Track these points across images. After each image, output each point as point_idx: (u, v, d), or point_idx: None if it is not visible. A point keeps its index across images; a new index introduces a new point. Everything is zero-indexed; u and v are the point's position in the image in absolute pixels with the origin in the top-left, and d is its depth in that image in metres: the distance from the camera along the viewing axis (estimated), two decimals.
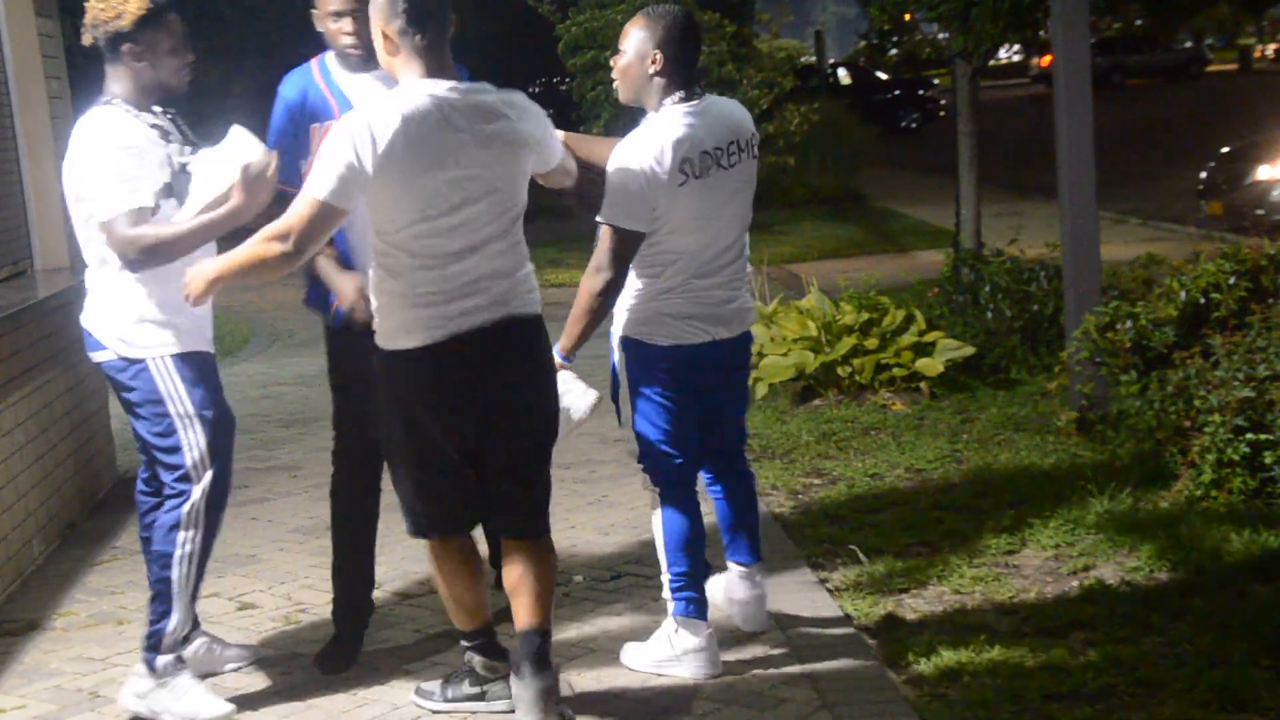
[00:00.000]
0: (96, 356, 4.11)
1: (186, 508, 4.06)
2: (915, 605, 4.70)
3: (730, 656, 4.32)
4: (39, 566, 5.63)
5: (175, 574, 4.06)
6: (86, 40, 4.01)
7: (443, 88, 3.59)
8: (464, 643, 4.03)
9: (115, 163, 3.89)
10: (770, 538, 5.43)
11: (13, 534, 5.42)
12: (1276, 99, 22.23)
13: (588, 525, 5.73)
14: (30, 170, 6.53)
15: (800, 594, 4.82)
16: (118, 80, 4.03)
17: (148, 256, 3.88)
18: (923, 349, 7.78)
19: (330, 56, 4.31)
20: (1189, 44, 51.37)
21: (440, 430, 3.73)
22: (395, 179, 3.52)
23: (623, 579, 5.07)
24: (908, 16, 13.29)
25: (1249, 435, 5.26)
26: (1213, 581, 4.64)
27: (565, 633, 4.53)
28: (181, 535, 4.05)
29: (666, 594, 4.27)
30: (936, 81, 37.32)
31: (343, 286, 4.17)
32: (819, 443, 6.91)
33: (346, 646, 4.48)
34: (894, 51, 49.71)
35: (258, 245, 3.62)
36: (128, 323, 4.03)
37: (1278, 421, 5.21)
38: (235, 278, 3.69)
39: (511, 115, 3.67)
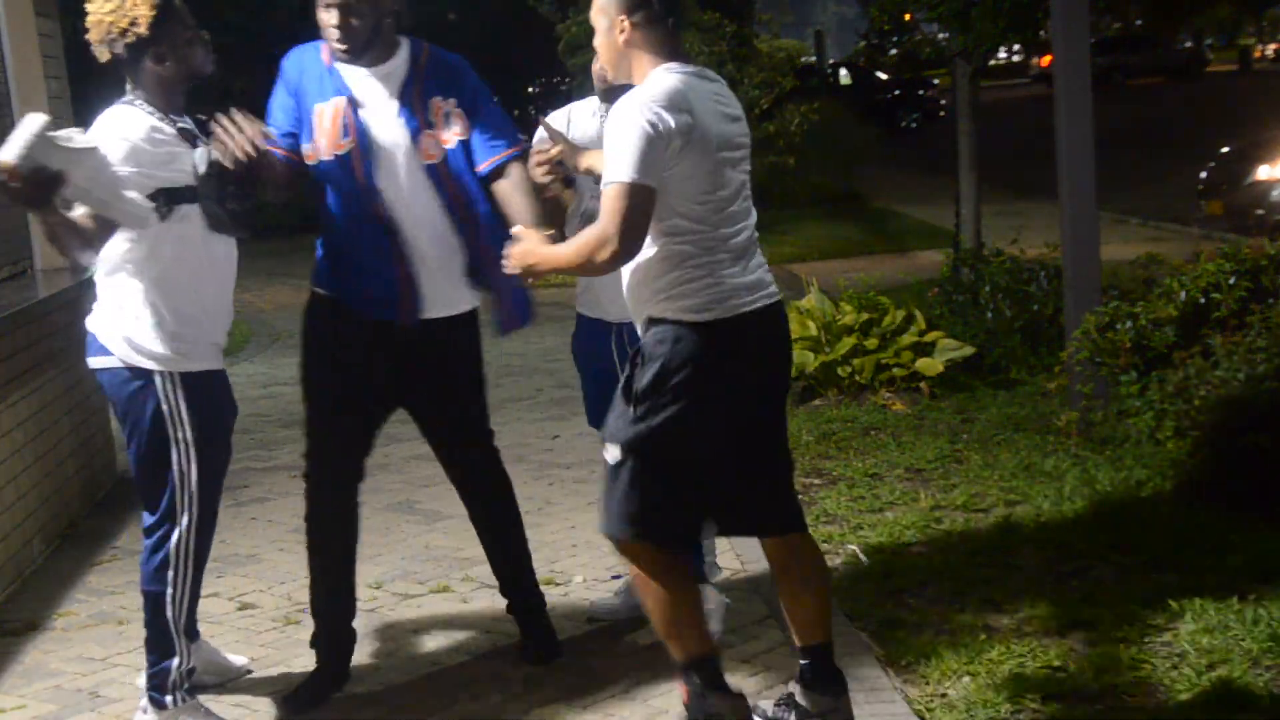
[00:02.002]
0: (98, 363, 3.91)
1: (174, 544, 3.89)
2: (915, 605, 4.70)
3: (731, 656, 4.32)
4: (39, 566, 5.63)
5: (170, 614, 3.91)
6: (104, 56, 3.84)
7: (691, 69, 3.59)
8: (696, 679, 3.65)
9: (135, 151, 3.75)
10: None
11: (13, 534, 5.42)
12: (1276, 99, 22.25)
13: (588, 525, 5.72)
14: None
15: None
16: (143, 85, 3.87)
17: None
18: (923, 349, 7.78)
19: None
20: (1189, 44, 51.34)
21: (738, 405, 3.58)
22: (697, 156, 3.47)
23: (623, 579, 5.06)
24: (908, 16, 13.29)
25: (1249, 435, 5.25)
26: (1213, 581, 4.64)
27: (565, 632, 4.53)
28: (171, 574, 3.90)
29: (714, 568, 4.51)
30: (936, 81, 37.29)
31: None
32: (819, 443, 6.91)
33: (325, 681, 4.24)
34: (894, 51, 49.71)
35: (583, 251, 3.46)
36: (138, 331, 3.84)
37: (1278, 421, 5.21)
38: (558, 271, 3.66)
39: (729, 94, 3.73)
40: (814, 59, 33.13)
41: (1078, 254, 6.74)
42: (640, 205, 3.40)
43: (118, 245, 3.81)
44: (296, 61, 4.12)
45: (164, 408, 3.85)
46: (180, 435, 3.86)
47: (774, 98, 16.26)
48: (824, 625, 3.74)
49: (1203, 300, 5.96)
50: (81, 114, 7.37)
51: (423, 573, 5.30)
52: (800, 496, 5.99)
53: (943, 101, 34.17)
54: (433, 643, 4.61)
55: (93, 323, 3.92)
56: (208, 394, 3.92)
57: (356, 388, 4.12)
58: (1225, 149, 14.41)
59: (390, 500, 6.12)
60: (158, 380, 3.85)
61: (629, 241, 3.42)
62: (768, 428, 3.69)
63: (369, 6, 3.95)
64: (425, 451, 4.51)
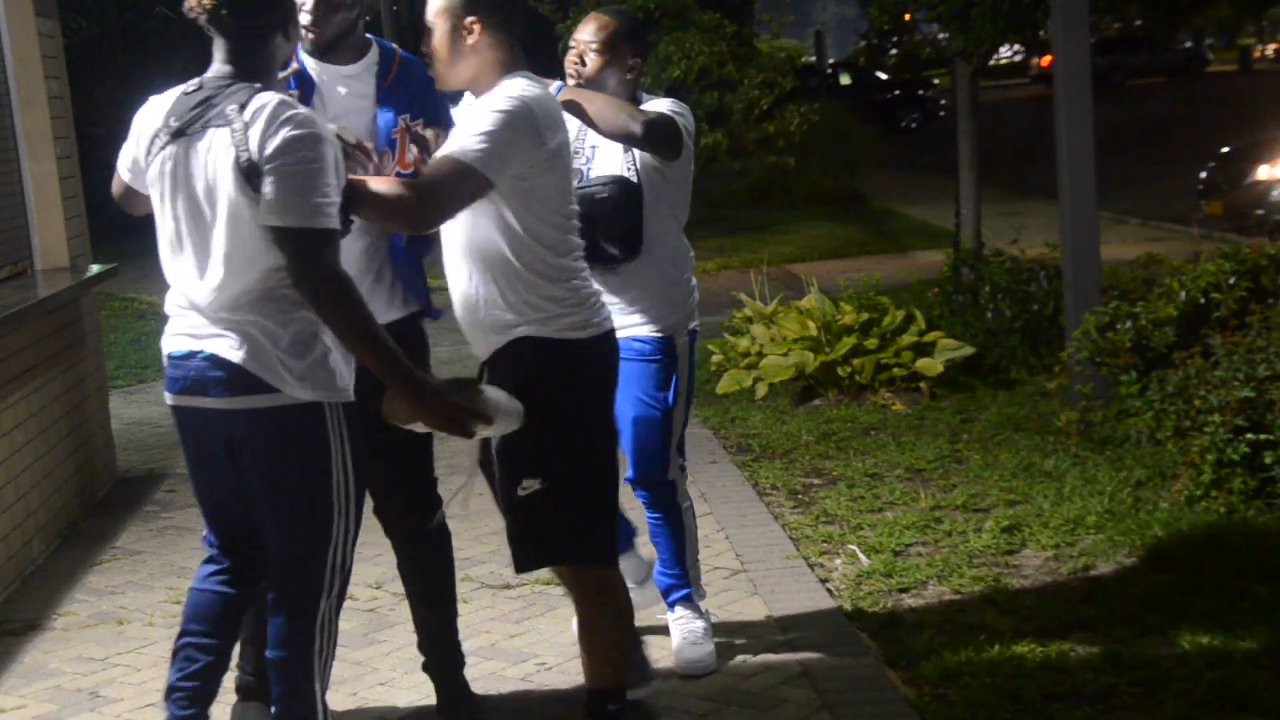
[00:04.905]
0: (261, 401, 3.20)
1: (323, 604, 3.33)
2: (915, 605, 4.70)
3: (731, 657, 4.32)
4: (39, 566, 5.63)
5: (319, 685, 3.38)
6: (226, 26, 3.23)
7: (539, 82, 3.48)
8: (610, 709, 3.57)
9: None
10: (770, 538, 5.45)
11: (13, 534, 5.42)
12: (1276, 99, 22.23)
13: None
14: (30, 170, 6.53)
15: (800, 594, 4.82)
16: (260, 69, 3.27)
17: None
18: (923, 349, 7.78)
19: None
20: (1189, 44, 51.37)
21: (612, 417, 3.64)
22: (561, 168, 3.42)
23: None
24: (908, 16, 13.30)
25: (1249, 435, 5.26)
26: (1213, 581, 4.64)
27: (565, 631, 4.53)
28: (320, 639, 3.37)
29: (700, 590, 4.37)
30: (936, 81, 37.34)
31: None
32: (819, 443, 6.90)
33: None
34: (894, 51, 49.76)
35: (386, 198, 3.29)
36: (306, 360, 3.22)
37: (1278, 421, 5.21)
38: (359, 205, 3.31)
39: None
40: (814, 59, 33.13)
41: (1078, 254, 6.74)
42: (466, 192, 3.28)
43: (272, 272, 3.18)
44: None
45: (333, 445, 3.26)
46: (343, 477, 3.29)
47: (774, 98, 16.22)
48: None
49: (1203, 300, 5.96)
50: (81, 113, 7.37)
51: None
52: (800, 496, 6.03)
53: (943, 101, 34.19)
54: None
55: (237, 353, 3.21)
56: (352, 428, 3.34)
57: None
58: (1225, 149, 14.39)
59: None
60: (328, 413, 3.26)
61: (432, 217, 3.33)
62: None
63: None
64: None
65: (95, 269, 6.73)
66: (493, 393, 3.30)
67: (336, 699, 4.20)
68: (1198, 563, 4.81)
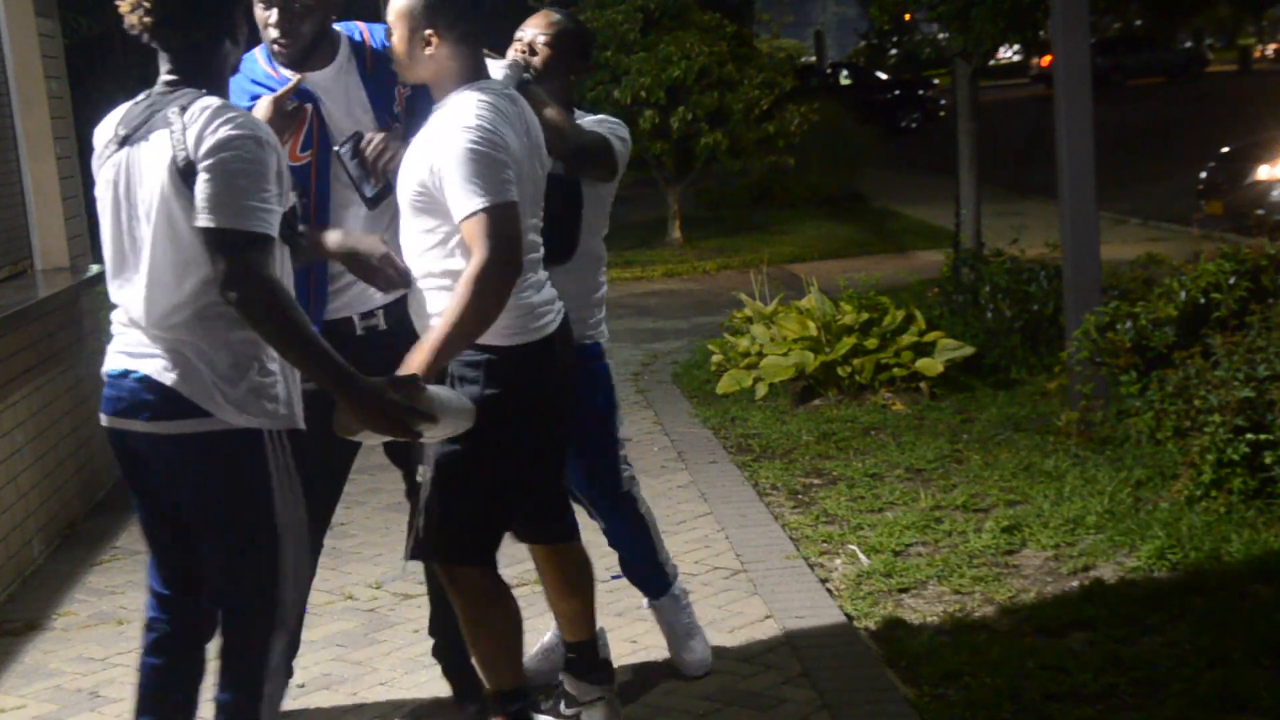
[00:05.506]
0: (189, 426, 3.05)
1: (276, 635, 3.18)
2: (915, 605, 4.70)
3: (731, 656, 4.32)
4: (39, 566, 5.63)
5: (267, 689, 3.19)
6: (191, 37, 3.11)
7: (497, 90, 3.42)
8: (514, 709, 3.58)
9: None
10: (770, 538, 5.45)
11: (13, 534, 5.42)
12: (1276, 99, 22.22)
13: (587, 525, 5.70)
14: (31, 170, 6.54)
15: (800, 594, 4.82)
16: (210, 77, 3.14)
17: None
18: (923, 349, 7.78)
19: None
20: (1189, 44, 51.38)
21: (551, 423, 3.58)
22: (524, 176, 3.38)
23: (623, 579, 5.06)
24: (908, 16, 13.31)
25: (1249, 435, 5.26)
26: (1213, 581, 4.64)
27: None
28: (266, 689, 3.18)
29: (678, 585, 4.34)
30: (936, 81, 37.32)
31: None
32: (819, 443, 6.90)
33: None
34: (894, 51, 49.77)
35: (474, 296, 3.24)
36: (246, 384, 3.07)
37: (1278, 421, 5.21)
38: (458, 344, 3.32)
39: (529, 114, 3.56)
40: (814, 59, 33.16)
41: (1078, 254, 6.74)
42: (509, 223, 3.26)
43: (208, 285, 3.03)
44: (240, 79, 3.55)
45: (275, 473, 3.11)
46: (288, 507, 3.15)
47: (774, 98, 16.21)
48: (588, 623, 3.91)
49: (1203, 300, 5.96)
50: (81, 113, 7.38)
51: (422, 573, 5.29)
52: (800, 496, 6.03)
53: (943, 101, 34.18)
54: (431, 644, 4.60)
55: (169, 376, 3.07)
56: (303, 456, 3.21)
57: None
58: (1225, 149, 14.39)
59: (390, 500, 6.12)
60: (267, 440, 3.10)
61: (513, 259, 3.28)
62: (560, 443, 3.70)
63: (316, 3, 3.55)
64: None
65: (95, 269, 6.73)
66: (440, 391, 3.25)
67: (336, 699, 4.21)
68: (1197, 563, 4.81)
